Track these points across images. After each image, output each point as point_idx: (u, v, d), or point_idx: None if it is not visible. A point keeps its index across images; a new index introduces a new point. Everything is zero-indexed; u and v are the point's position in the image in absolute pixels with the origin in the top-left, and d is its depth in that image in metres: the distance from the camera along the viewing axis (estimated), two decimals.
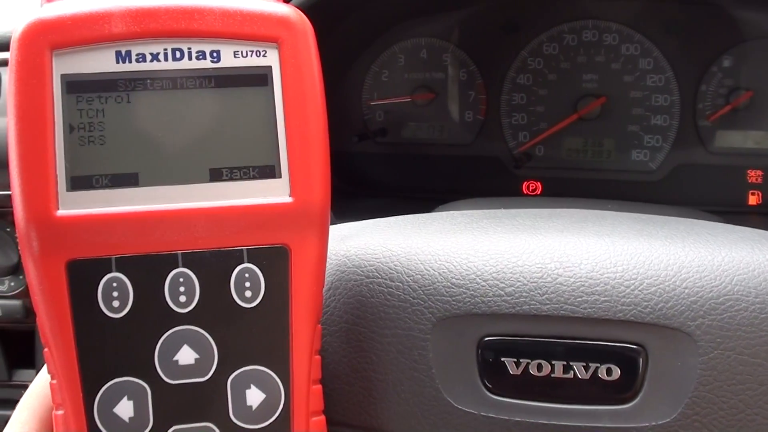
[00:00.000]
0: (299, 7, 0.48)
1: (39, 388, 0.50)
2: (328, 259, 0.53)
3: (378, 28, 1.19)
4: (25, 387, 0.51)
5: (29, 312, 0.97)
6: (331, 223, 0.88)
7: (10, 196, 0.45)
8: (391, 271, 0.52)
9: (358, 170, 1.23)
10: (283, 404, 0.46)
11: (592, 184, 1.17)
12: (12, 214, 0.43)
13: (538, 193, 1.18)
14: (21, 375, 1.01)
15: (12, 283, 0.98)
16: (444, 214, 0.60)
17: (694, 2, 1.11)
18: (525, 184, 1.19)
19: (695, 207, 1.08)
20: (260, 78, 0.46)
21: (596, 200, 0.94)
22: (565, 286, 0.50)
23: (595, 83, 1.15)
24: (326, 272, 0.52)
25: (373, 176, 1.24)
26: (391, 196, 1.21)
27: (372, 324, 0.51)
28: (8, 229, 0.98)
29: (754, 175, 1.13)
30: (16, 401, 0.50)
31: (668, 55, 1.13)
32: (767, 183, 1.13)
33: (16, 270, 0.97)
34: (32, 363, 1.00)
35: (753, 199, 1.14)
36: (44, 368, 0.47)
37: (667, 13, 1.13)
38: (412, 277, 0.51)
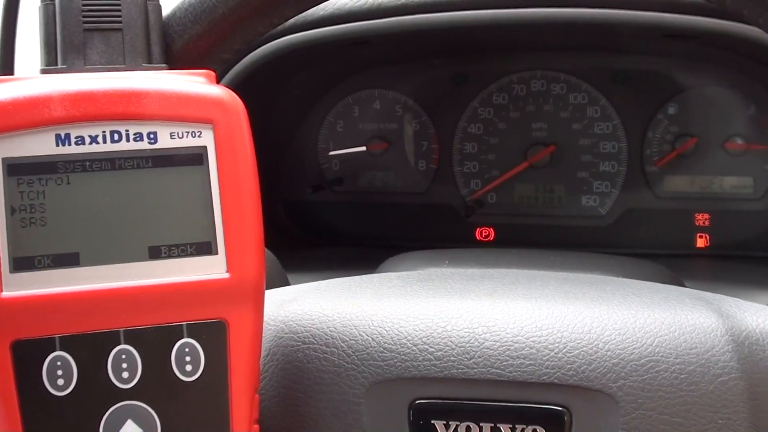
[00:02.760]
0: (229, 86, 0.50)
1: None
2: (266, 325, 0.55)
3: (330, 82, 1.21)
4: None
5: None
6: (289, 271, 0.89)
7: None
8: (327, 337, 0.53)
9: (316, 219, 1.25)
10: None
11: (544, 230, 1.20)
12: None
13: (491, 239, 1.21)
14: None
15: None
16: (380, 276, 0.62)
17: (636, 54, 1.14)
18: (478, 230, 1.21)
19: (645, 250, 1.10)
20: (196, 157, 0.47)
21: (541, 251, 0.96)
22: (491, 350, 0.52)
23: (545, 131, 1.18)
24: (265, 338, 0.54)
25: (330, 224, 1.25)
26: (348, 244, 1.23)
27: (308, 389, 0.53)
28: None
29: (701, 219, 1.16)
30: None
31: (615, 103, 1.16)
32: (714, 226, 1.16)
33: None
34: None
35: (701, 242, 1.16)
36: None
37: (613, 62, 1.16)
38: (346, 343, 0.53)
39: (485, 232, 1.21)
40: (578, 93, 1.17)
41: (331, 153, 1.23)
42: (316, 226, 1.26)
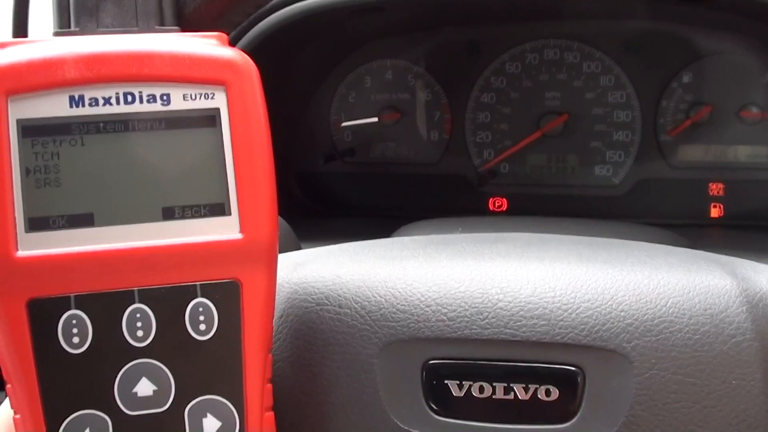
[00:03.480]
0: (244, 49, 0.50)
1: (2, 418, 0.51)
2: (280, 287, 0.55)
3: (343, 51, 1.21)
4: None
5: None
6: (302, 242, 0.89)
7: None
8: (340, 299, 0.54)
9: (328, 190, 1.25)
10: (238, 431, 0.48)
11: (556, 200, 1.19)
12: None
13: (504, 209, 1.21)
14: None
15: None
16: (393, 240, 0.62)
17: (651, 20, 1.13)
18: (491, 200, 1.21)
19: (658, 220, 1.10)
20: (209, 119, 0.47)
21: (554, 219, 0.96)
22: (505, 310, 0.52)
23: (558, 101, 1.18)
24: (278, 300, 0.54)
25: (342, 196, 1.26)
26: (360, 215, 1.24)
27: (322, 350, 0.53)
28: None
29: (715, 188, 1.16)
30: None
31: (629, 71, 1.16)
32: (728, 196, 1.15)
33: None
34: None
35: (715, 212, 1.16)
36: (7, 401, 0.48)
37: (627, 30, 1.15)
38: (360, 304, 0.53)
39: (498, 202, 1.21)
40: (591, 61, 1.16)
41: (344, 124, 1.23)
42: (329, 198, 1.26)
